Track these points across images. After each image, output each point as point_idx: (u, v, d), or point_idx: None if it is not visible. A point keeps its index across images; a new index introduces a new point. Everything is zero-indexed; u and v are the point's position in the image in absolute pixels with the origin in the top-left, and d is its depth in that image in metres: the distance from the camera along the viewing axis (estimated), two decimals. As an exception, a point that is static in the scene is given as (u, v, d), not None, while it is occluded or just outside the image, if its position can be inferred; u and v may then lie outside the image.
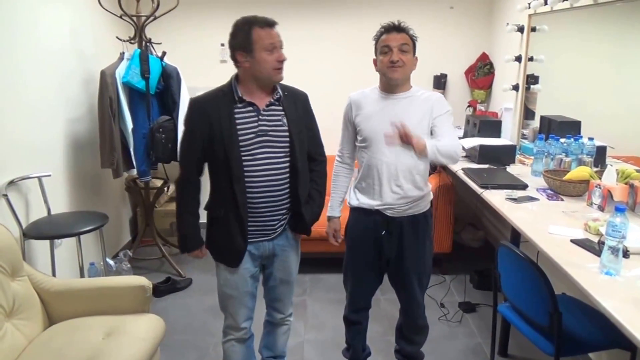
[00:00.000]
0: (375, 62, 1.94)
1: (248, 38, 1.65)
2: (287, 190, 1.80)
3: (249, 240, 1.81)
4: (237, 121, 1.71)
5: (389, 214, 1.94)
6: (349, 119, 2.01)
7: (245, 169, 1.72)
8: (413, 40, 1.88)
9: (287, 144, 1.77)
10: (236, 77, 1.76)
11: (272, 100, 1.76)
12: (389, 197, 1.92)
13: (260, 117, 1.74)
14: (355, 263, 2.08)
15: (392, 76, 1.86)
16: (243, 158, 1.71)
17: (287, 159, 1.77)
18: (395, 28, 1.87)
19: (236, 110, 1.72)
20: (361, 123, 1.95)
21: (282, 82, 1.80)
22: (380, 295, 2.96)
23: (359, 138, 1.98)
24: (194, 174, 1.82)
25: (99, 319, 1.99)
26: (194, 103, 1.78)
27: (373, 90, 1.98)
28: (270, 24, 1.68)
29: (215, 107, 1.72)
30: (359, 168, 2.02)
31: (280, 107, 1.78)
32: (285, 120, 1.77)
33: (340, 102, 2.09)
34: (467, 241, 3.83)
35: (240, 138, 1.71)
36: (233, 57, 1.72)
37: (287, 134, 1.76)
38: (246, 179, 1.73)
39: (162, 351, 2.24)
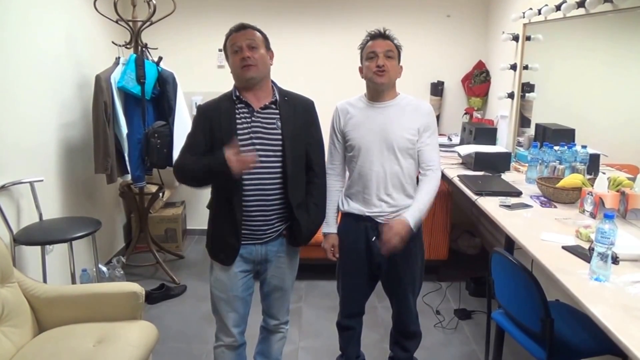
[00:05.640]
0: (360, 69, 1.96)
1: (225, 45, 1.78)
2: (280, 196, 1.80)
3: (241, 242, 1.81)
4: (237, 120, 1.75)
5: (379, 221, 1.95)
6: (337, 129, 2.00)
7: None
8: (398, 48, 1.90)
9: (280, 148, 1.77)
10: None
11: (267, 103, 1.78)
12: (379, 206, 1.93)
13: (254, 117, 1.76)
14: (347, 268, 2.08)
15: (379, 81, 1.87)
16: None
17: (280, 163, 1.78)
18: (380, 35, 1.89)
19: (236, 110, 1.77)
20: (349, 133, 1.95)
21: (286, 89, 1.86)
22: (377, 302, 2.96)
23: (347, 148, 1.98)
24: (185, 157, 1.81)
25: (90, 325, 1.98)
26: (199, 108, 1.84)
27: (359, 99, 1.98)
28: (238, 28, 1.76)
29: (217, 109, 1.78)
30: (349, 175, 2.02)
31: (277, 110, 1.79)
32: (279, 124, 1.77)
33: (327, 111, 2.06)
34: (463, 248, 3.83)
35: (239, 137, 1.73)
36: None
37: (280, 137, 1.77)
38: (242, 180, 1.74)
39: (154, 359, 2.23)
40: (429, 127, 1.92)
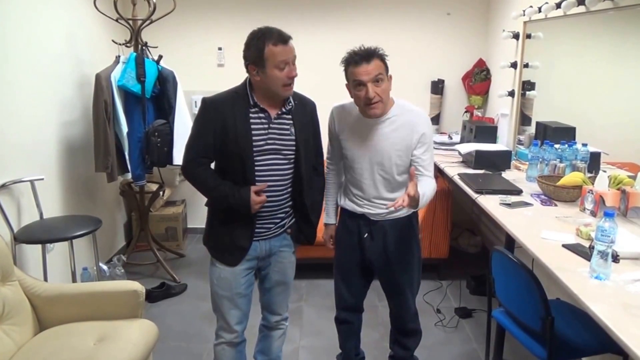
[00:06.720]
0: (348, 88, 1.84)
1: (260, 54, 1.65)
2: (287, 197, 1.84)
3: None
4: (252, 125, 1.73)
5: (372, 218, 1.98)
6: (333, 132, 2.01)
7: (255, 172, 1.75)
8: (384, 61, 1.77)
9: (293, 153, 1.79)
10: (249, 82, 1.77)
11: (283, 109, 1.78)
12: (373, 209, 1.96)
13: (271, 125, 1.76)
14: (341, 262, 2.11)
15: (372, 113, 1.80)
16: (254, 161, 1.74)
17: (291, 167, 1.81)
18: (364, 57, 1.72)
19: (251, 114, 1.74)
20: (343, 141, 1.96)
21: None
22: (377, 301, 2.96)
23: (342, 153, 1.99)
24: (198, 163, 1.79)
25: (90, 324, 1.98)
26: (208, 102, 1.75)
27: (354, 107, 1.91)
28: (284, 39, 1.66)
29: (231, 108, 1.73)
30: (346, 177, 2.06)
31: (290, 117, 1.79)
32: (293, 130, 1.79)
33: (327, 109, 2.04)
34: (464, 247, 3.83)
35: (254, 143, 1.73)
36: (246, 67, 1.73)
37: (293, 143, 1.79)
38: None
39: (155, 357, 2.22)
40: (422, 144, 1.86)
